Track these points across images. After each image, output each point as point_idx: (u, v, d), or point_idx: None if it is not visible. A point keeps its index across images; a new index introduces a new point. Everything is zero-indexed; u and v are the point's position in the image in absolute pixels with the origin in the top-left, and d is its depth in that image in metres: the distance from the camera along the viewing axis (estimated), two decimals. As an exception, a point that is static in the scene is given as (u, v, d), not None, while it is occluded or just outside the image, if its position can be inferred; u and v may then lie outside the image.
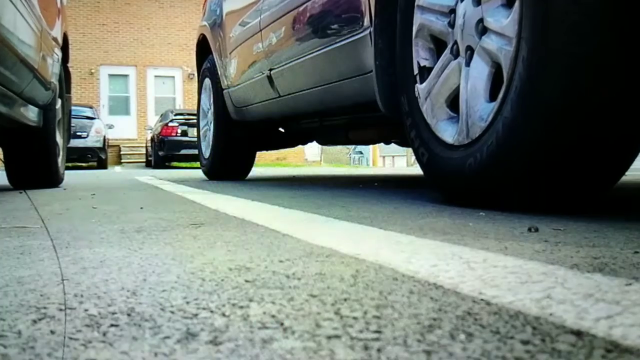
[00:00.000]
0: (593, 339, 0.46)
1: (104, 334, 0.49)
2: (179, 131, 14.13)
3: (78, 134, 12.84)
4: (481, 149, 1.49)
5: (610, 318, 0.50)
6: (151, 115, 19.73)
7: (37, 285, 0.68)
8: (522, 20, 1.37)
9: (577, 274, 0.70)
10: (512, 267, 0.74)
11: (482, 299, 0.58)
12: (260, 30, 3.18)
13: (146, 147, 17.32)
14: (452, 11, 1.69)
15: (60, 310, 0.57)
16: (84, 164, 13.94)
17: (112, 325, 0.52)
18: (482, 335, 0.47)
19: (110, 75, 19.93)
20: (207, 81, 4.35)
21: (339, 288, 0.65)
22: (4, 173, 3.41)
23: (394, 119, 2.09)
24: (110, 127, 16.47)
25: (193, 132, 13.02)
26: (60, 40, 3.27)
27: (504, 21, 1.45)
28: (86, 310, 0.57)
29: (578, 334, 0.47)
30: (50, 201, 2.20)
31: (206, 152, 4.34)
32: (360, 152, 26.91)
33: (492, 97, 1.52)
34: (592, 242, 0.97)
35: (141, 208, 1.84)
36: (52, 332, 0.50)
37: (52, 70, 2.98)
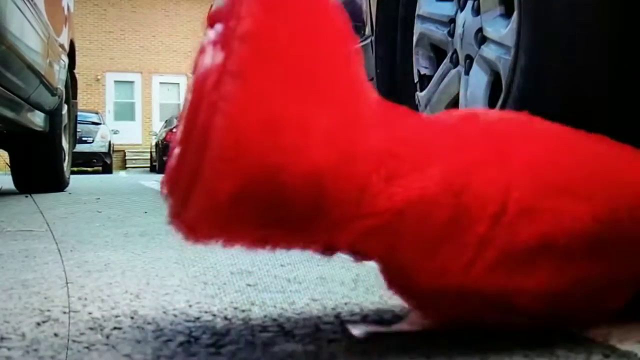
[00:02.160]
0: (591, 344, 0.46)
1: (107, 337, 0.50)
2: (184, 137, 14.17)
3: (84, 139, 12.89)
4: None
5: (608, 323, 0.51)
6: (156, 121, 19.78)
7: (42, 288, 0.69)
8: (520, 29, 1.39)
9: (578, 280, 0.70)
10: (513, 272, 0.74)
11: (481, 304, 0.59)
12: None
13: (151, 152, 17.36)
14: (452, 21, 1.71)
15: (64, 313, 0.57)
16: (89, 169, 13.99)
17: (115, 328, 0.52)
18: (482, 338, 0.48)
19: (116, 82, 20.03)
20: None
21: (339, 292, 0.65)
22: (10, 177, 3.43)
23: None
24: (116, 132, 16.53)
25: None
26: (67, 46, 3.29)
27: (503, 31, 1.46)
28: (90, 313, 0.57)
29: (576, 338, 0.48)
30: (56, 205, 2.21)
31: (210, 158, 4.35)
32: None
33: (491, 105, 1.52)
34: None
35: (145, 212, 1.84)
36: (56, 334, 0.50)
37: (58, 76, 3.00)
